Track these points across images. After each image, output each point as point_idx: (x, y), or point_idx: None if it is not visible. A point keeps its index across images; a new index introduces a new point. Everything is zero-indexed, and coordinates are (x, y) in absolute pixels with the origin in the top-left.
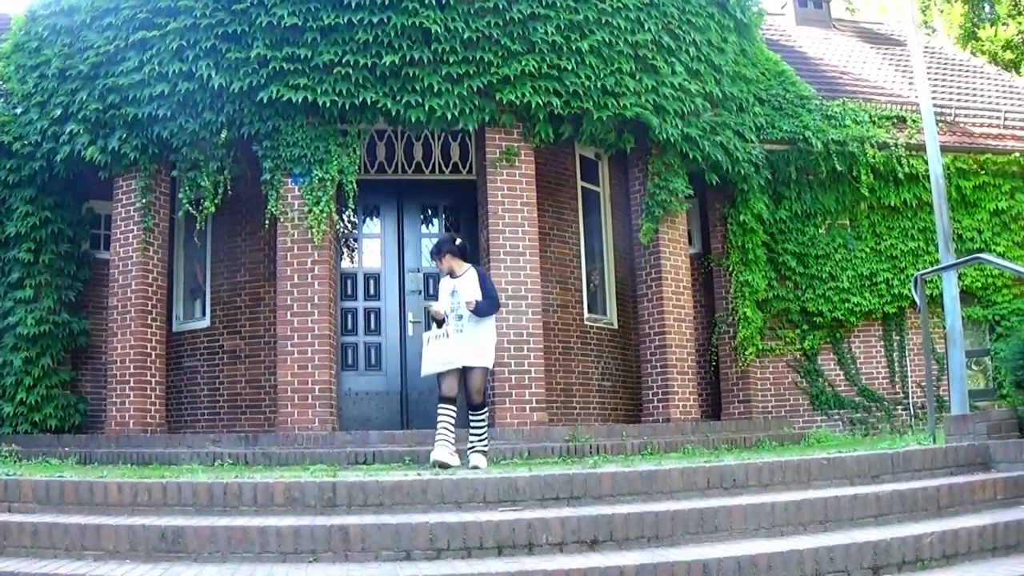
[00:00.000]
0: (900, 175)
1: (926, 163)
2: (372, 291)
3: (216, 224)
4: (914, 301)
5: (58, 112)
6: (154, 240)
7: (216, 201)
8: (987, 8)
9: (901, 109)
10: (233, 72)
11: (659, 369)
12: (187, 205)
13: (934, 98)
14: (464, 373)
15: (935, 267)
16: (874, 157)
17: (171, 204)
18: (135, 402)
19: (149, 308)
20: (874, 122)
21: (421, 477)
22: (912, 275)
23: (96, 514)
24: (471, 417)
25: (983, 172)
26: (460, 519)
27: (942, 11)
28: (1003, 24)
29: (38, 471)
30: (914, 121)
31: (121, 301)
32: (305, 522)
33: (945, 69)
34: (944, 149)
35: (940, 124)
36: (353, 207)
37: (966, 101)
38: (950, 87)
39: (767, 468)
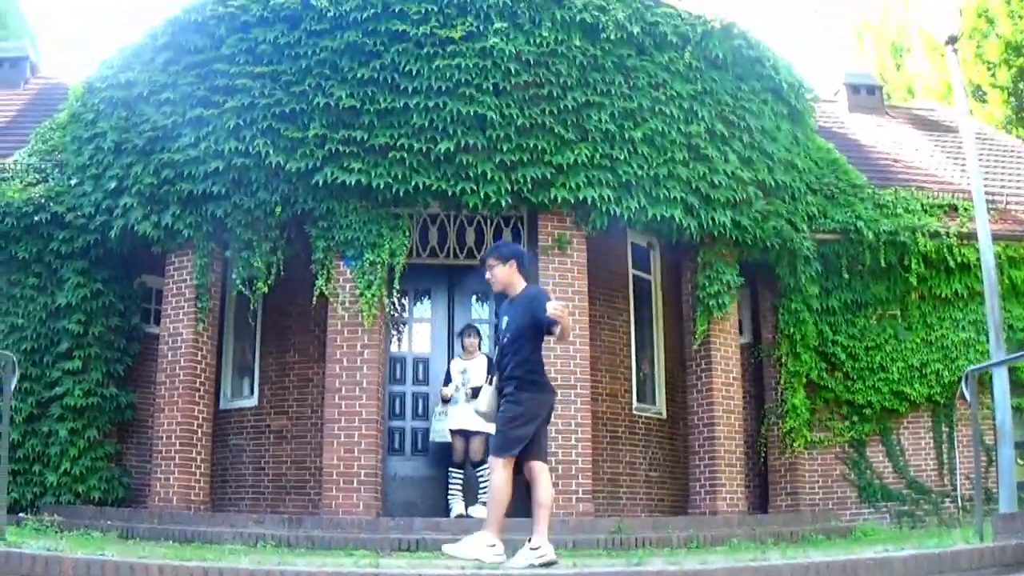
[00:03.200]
0: (951, 264)
1: (977, 252)
2: (421, 376)
3: (267, 303)
4: (962, 392)
5: (112, 185)
6: (205, 317)
7: (269, 282)
8: None
9: (953, 197)
10: (289, 152)
11: (707, 461)
12: (240, 285)
13: (986, 185)
14: (469, 437)
15: (986, 363)
16: (925, 246)
17: (223, 281)
18: (180, 478)
19: (197, 385)
20: (926, 211)
21: (464, 571)
22: (963, 366)
23: None
24: (478, 473)
25: None
26: None
27: (986, 100)
28: None
29: (79, 546)
30: (965, 209)
31: (170, 377)
32: None
33: (996, 155)
34: (995, 238)
35: (991, 212)
36: (404, 291)
37: (1018, 188)
38: (1001, 174)
39: (813, 568)
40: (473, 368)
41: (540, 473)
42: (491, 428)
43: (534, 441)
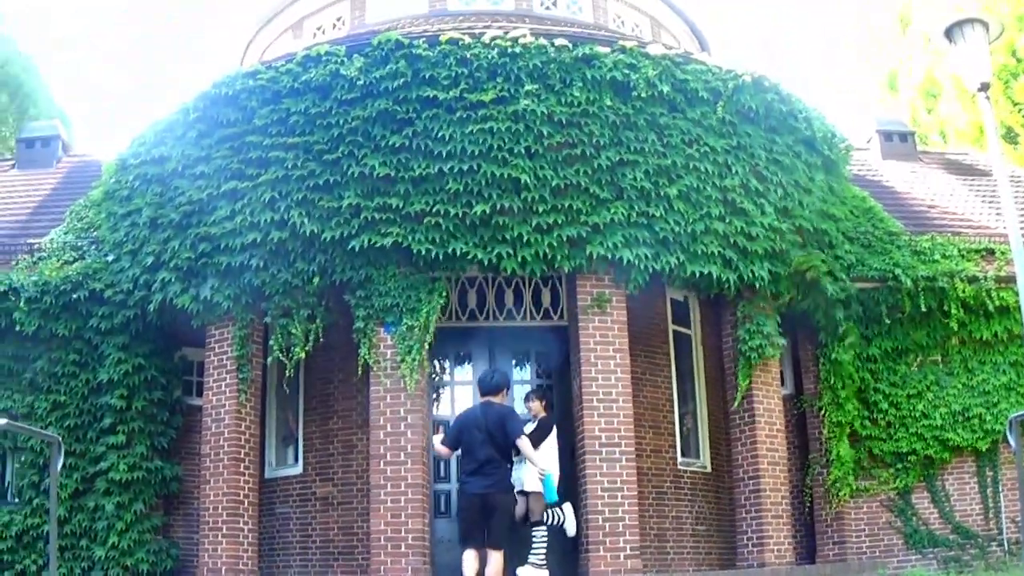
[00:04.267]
0: (990, 308)
1: (1015, 295)
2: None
3: (308, 371)
4: (1007, 436)
5: (150, 260)
6: (247, 388)
7: (307, 348)
8: None
9: (989, 241)
10: (325, 222)
11: (753, 513)
12: (278, 352)
13: (1022, 228)
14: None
15: None
16: (964, 291)
17: (264, 351)
18: (227, 549)
19: (242, 456)
20: (963, 256)
21: None
22: (1005, 410)
23: None
24: (532, 533)
25: None
26: None
27: (1017, 142)
28: None
29: None
30: (1002, 253)
31: (214, 448)
32: None
33: None
34: None
35: None
36: (444, 354)
37: None
38: None
39: None
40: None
41: None
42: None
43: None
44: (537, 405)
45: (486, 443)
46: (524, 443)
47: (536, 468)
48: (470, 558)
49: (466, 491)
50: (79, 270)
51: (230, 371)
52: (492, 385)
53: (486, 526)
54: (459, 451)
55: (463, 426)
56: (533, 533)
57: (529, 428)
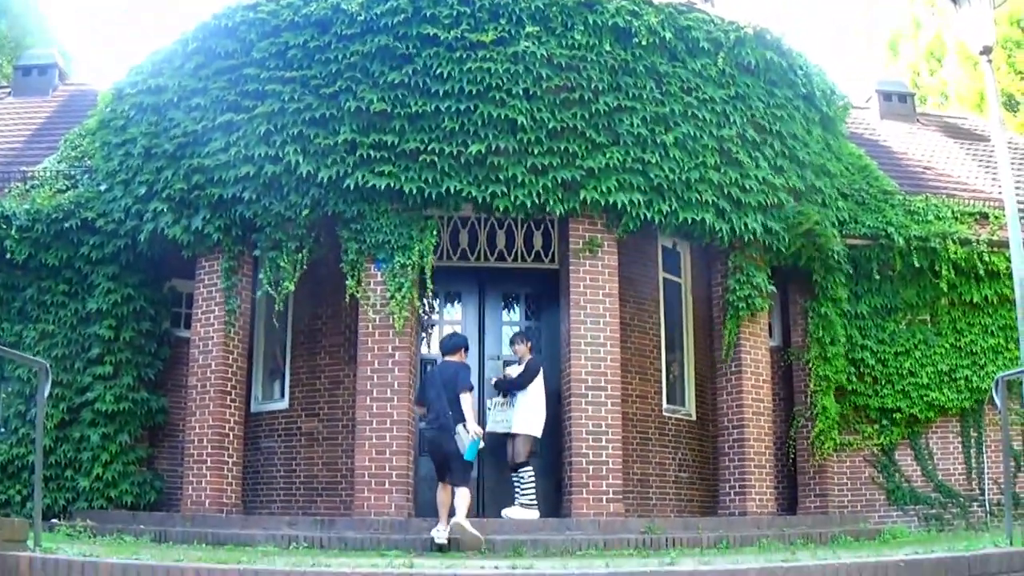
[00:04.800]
0: (981, 272)
1: (1007, 260)
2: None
3: (297, 306)
4: (992, 398)
5: (142, 190)
6: (235, 321)
7: (295, 280)
8: None
9: (984, 205)
10: (320, 158)
11: (736, 462)
12: (267, 285)
13: (1017, 194)
14: (512, 438)
15: (1017, 370)
16: (955, 253)
17: (253, 285)
18: (212, 482)
19: (228, 388)
20: (956, 218)
21: (498, 570)
22: (992, 372)
23: None
24: (517, 475)
25: None
26: None
27: (1017, 109)
28: None
29: (114, 551)
30: (996, 217)
31: (201, 380)
32: None
33: None
34: None
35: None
36: (434, 293)
37: None
38: None
39: (844, 570)
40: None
41: None
42: (533, 430)
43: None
44: (522, 348)
45: (441, 395)
46: (465, 397)
47: (470, 429)
48: (441, 492)
49: (426, 436)
50: (71, 199)
51: (219, 303)
52: (450, 346)
53: (445, 467)
54: None
55: (425, 382)
56: (520, 475)
57: (515, 370)
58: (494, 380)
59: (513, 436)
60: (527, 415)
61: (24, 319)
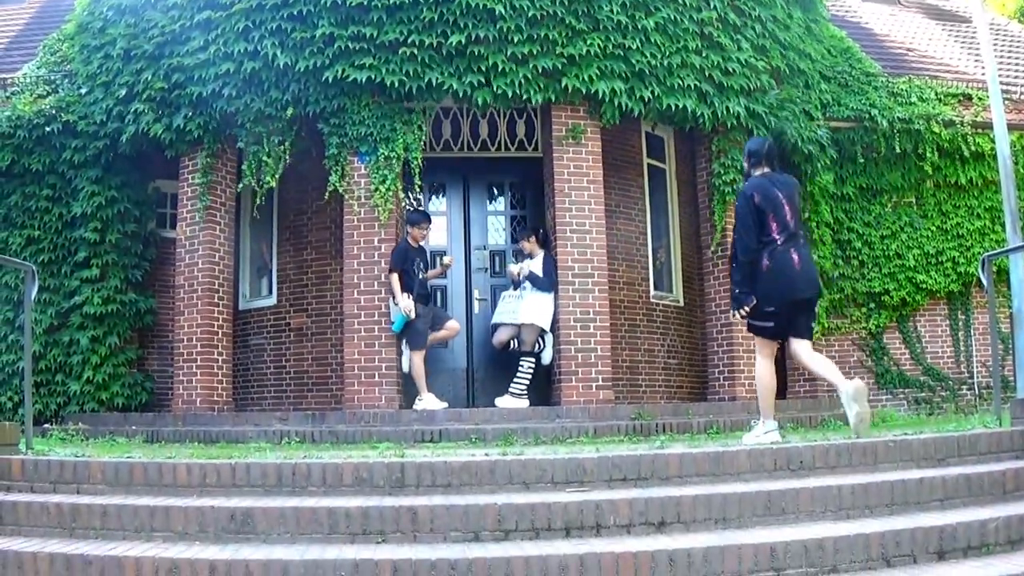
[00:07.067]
0: (966, 153)
1: (992, 141)
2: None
3: (282, 202)
4: (980, 280)
5: (123, 92)
6: (220, 218)
7: (277, 175)
8: None
9: (967, 87)
10: (298, 51)
11: (725, 347)
12: (249, 178)
13: (1000, 76)
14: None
15: (1003, 249)
16: (940, 135)
17: (237, 182)
18: (202, 380)
19: (216, 287)
20: (940, 100)
21: (489, 457)
22: (978, 254)
23: (165, 495)
24: (521, 362)
25: None
26: (528, 500)
27: None
28: None
29: (106, 451)
30: (980, 99)
31: (188, 280)
32: (374, 503)
33: (1011, 46)
34: (1011, 127)
35: (1007, 102)
36: (419, 185)
37: None
38: (1015, 64)
39: (834, 450)
40: (533, 266)
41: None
42: (540, 321)
43: None
44: (530, 244)
45: None
46: (392, 277)
47: (401, 305)
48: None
49: None
50: (52, 104)
51: (203, 201)
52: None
53: None
54: None
55: None
56: (521, 363)
57: (528, 265)
58: (518, 273)
59: (519, 326)
60: (537, 306)
61: (9, 226)
